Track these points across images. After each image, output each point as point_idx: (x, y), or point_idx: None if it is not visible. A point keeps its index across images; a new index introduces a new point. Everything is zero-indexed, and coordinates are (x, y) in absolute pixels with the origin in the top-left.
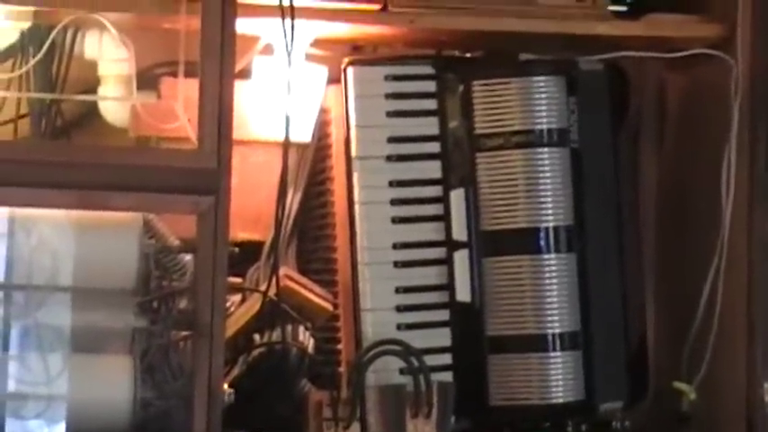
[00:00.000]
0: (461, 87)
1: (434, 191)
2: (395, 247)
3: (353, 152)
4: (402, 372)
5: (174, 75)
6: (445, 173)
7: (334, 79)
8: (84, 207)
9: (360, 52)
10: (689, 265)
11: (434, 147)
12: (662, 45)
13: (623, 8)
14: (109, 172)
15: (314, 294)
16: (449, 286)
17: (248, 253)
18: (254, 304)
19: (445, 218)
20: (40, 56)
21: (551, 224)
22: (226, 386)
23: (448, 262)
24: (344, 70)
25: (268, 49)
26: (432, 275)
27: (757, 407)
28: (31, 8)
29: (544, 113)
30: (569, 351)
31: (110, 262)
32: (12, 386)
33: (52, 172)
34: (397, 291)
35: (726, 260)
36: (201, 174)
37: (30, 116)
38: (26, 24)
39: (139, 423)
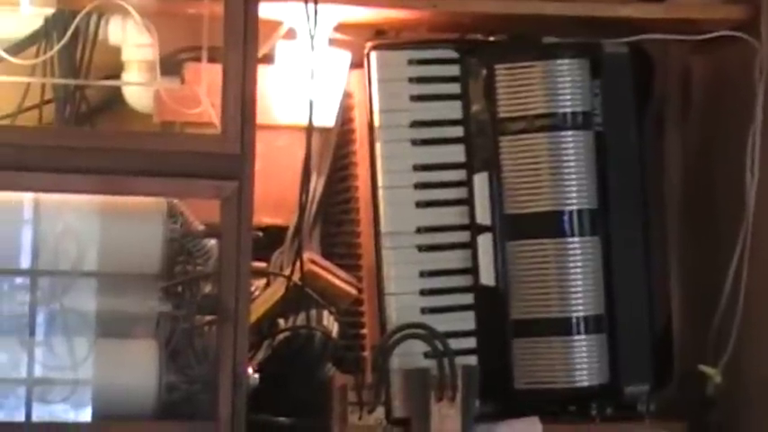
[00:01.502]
0: (485, 71)
1: (458, 175)
2: (419, 231)
3: (377, 137)
4: (426, 356)
5: (198, 60)
6: (469, 157)
7: (357, 64)
8: (109, 192)
9: (383, 37)
10: (713, 249)
11: (458, 131)
12: (686, 28)
13: None
14: (133, 157)
15: (338, 279)
16: (473, 270)
17: (272, 237)
18: (278, 289)
19: (469, 201)
20: (64, 41)
21: (575, 207)
22: (250, 370)
23: (472, 246)
24: (367, 55)
25: (291, 34)
26: (455, 259)
27: None
28: None
29: (568, 96)
30: (594, 334)
31: (134, 247)
32: (38, 371)
33: (77, 157)
34: (422, 275)
35: (750, 244)
36: (225, 159)
37: (54, 102)
38: (50, 10)
39: (165, 407)
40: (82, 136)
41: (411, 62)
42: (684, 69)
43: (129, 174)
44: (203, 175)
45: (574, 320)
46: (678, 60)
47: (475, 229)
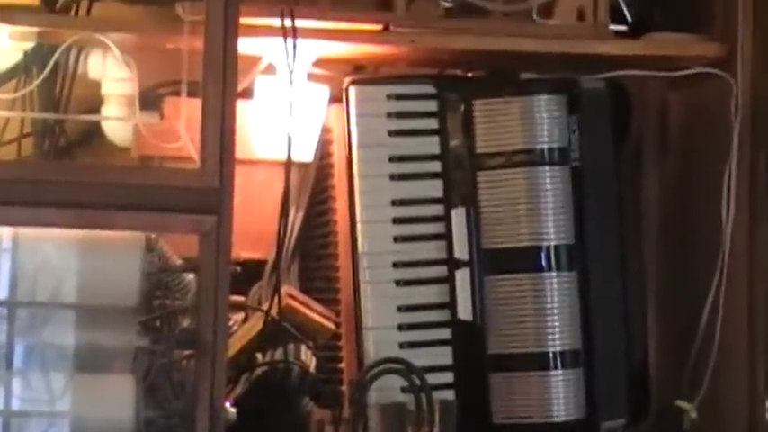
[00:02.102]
0: (463, 107)
1: (436, 210)
2: (396, 265)
3: (355, 171)
4: (404, 390)
5: (177, 94)
6: (447, 192)
7: (336, 98)
8: (88, 226)
9: (361, 72)
10: (690, 284)
11: (436, 166)
12: (663, 64)
13: (624, 27)
14: (112, 191)
15: (316, 313)
16: (450, 305)
17: (251, 272)
18: (256, 323)
19: (446, 236)
20: (43, 76)
21: (553, 243)
22: (228, 405)
23: (449, 280)
24: (346, 90)
25: (270, 69)
26: (433, 294)
27: (759, 425)
28: (35, 29)
29: (545, 132)
30: (570, 369)
31: (112, 281)
32: (15, 404)
33: (55, 191)
34: (399, 309)
35: (726, 279)
36: (204, 193)
37: (33, 136)
38: (30, 45)
39: None
40: (60, 170)
41: (389, 97)
42: (661, 105)
43: (107, 208)
44: (182, 209)
45: (551, 355)
46: (655, 96)
47: (452, 263)
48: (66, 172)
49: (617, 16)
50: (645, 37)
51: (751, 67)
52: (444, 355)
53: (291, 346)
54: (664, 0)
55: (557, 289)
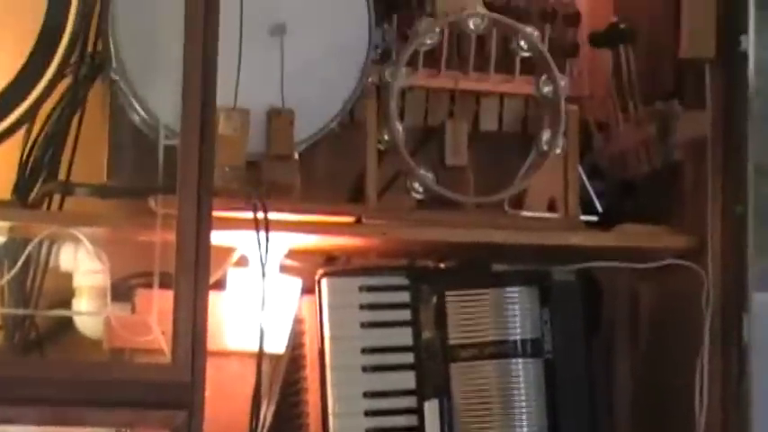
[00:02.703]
0: (435, 298)
1: (409, 402)
2: None
3: (327, 363)
4: None
5: (149, 286)
6: (419, 384)
7: (308, 289)
8: (58, 423)
9: (334, 262)
10: None
11: (408, 357)
12: (634, 255)
13: (595, 218)
14: (83, 387)
15: None
16: None
17: None
18: None
19: (420, 429)
20: (14, 271)
21: None
22: None
23: None
24: (319, 281)
25: (243, 261)
26: None
27: None
28: (7, 223)
29: (518, 324)
30: None
31: None
32: None
33: (25, 388)
34: None
35: None
36: (175, 387)
37: (3, 329)
38: (1, 239)
39: None
40: (31, 366)
41: (362, 289)
42: (633, 295)
43: (78, 404)
44: (153, 404)
45: None
46: (626, 286)
47: None
48: (36, 368)
49: (588, 207)
50: (616, 228)
51: (721, 260)
52: None
53: None
54: (634, 191)
55: None
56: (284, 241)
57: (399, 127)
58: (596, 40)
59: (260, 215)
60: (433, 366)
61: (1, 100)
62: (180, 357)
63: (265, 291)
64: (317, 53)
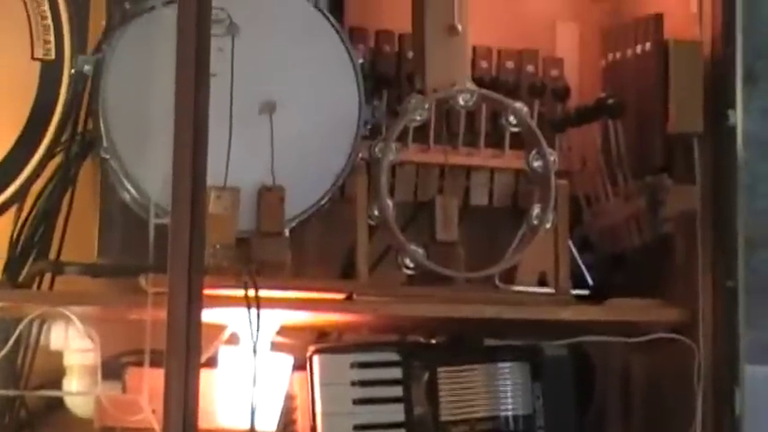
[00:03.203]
0: (427, 374)
1: None
2: None
3: None
4: None
5: (140, 364)
6: None
7: (300, 365)
8: None
9: (325, 338)
10: None
11: None
12: (625, 329)
13: (586, 292)
14: None
15: None
16: None
17: None
18: None
19: None
20: (5, 351)
21: None
22: None
23: None
24: (310, 358)
25: (234, 338)
26: None
27: None
28: None
29: (509, 400)
30: None
31: None
32: None
33: None
34: None
35: None
36: None
37: None
38: None
39: None
40: None
41: (353, 365)
42: (624, 368)
43: None
44: None
45: None
46: (618, 360)
47: None
48: None
49: (579, 280)
50: (607, 302)
51: (712, 334)
52: None
53: None
54: (624, 265)
55: None
56: (275, 318)
57: (390, 202)
58: (585, 114)
59: (251, 293)
60: None
61: None
62: None
63: (257, 368)
64: (308, 129)
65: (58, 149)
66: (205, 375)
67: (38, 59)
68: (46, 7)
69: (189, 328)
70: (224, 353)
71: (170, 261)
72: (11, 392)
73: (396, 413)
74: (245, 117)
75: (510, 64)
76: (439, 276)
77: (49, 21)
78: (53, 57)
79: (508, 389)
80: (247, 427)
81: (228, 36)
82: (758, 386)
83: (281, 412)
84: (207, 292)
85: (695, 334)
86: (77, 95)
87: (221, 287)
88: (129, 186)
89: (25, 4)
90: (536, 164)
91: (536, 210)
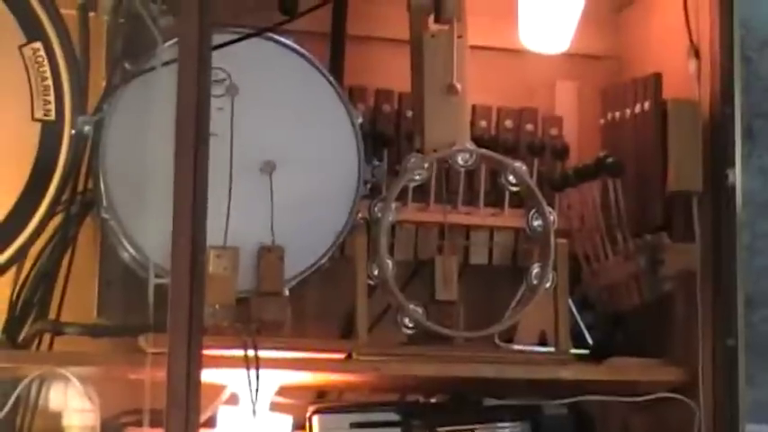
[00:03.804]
0: None
1: None
2: None
3: None
4: None
5: (139, 424)
6: None
7: (299, 425)
8: None
9: (325, 398)
10: None
11: None
12: (625, 388)
13: (586, 351)
14: None
15: None
16: None
17: None
18: None
19: None
20: (4, 412)
21: None
22: None
23: None
24: (310, 418)
25: (233, 398)
26: None
27: None
28: None
29: None
30: None
31: None
32: None
33: None
34: None
35: None
36: None
37: None
38: None
39: None
40: None
41: (353, 425)
42: (624, 428)
43: None
44: None
45: None
46: (618, 419)
47: None
48: None
49: (578, 339)
50: (607, 361)
51: (712, 394)
52: None
53: None
54: (625, 324)
55: None
56: (275, 378)
57: (389, 262)
58: (584, 173)
59: (250, 353)
60: None
61: None
62: None
63: (256, 429)
64: (308, 189)
65: (59, 209)
66: None
67: (38, 120)
68: (46, 68)
69: (188, 387)
70: (223, 413)
71: (170, 321)
72: None
73: None
74: (245, 177)
75: (509, 123)
76: (439, 336)
77: (50, 81)
78: (53, 117)
79: None
80: None
81: (228, 96)
82: None
83: None
84: (206, 352)
85: (695, 393)
86: (77, 156)
87: (221, 347)
88: (128, 246)
89: (26, 64)
90: (535, 223)
91: (536, 269)
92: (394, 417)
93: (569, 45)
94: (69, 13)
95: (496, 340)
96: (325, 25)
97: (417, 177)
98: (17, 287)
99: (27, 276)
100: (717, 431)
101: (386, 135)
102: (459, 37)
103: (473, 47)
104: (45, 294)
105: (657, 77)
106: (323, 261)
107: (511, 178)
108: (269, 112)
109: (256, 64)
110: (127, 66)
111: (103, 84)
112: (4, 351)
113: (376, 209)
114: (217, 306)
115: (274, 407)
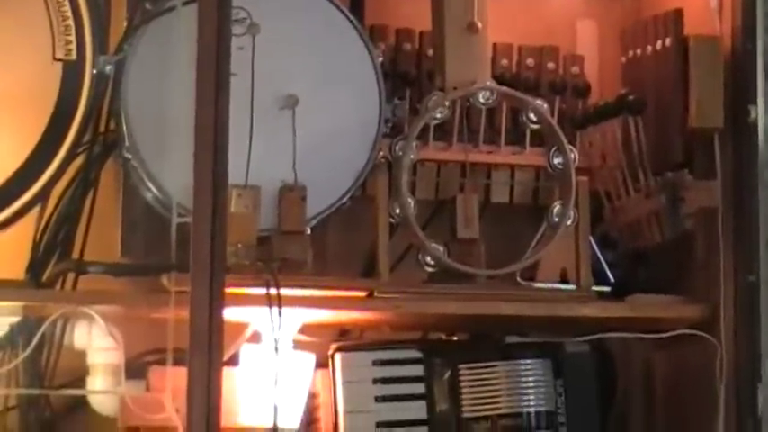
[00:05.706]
0: (448, 371)
1: None
2: None
3: None
4: None
5: (163, 363)
6: None
7: (322, 363)
8: None
9: (347, 336)
10: None
11: (423, 431)
12: (646, 325)
13: (607, 289)
14: None
15: None
16: None
17: None
18: None
19: None
20: (29, 351)
21: None
22: None
23: None
24: (332, 356)
25: (256, 336)
26: None
27: None
28: (21, 303)
29: (531, 396)
30: None
31: None
32: None
33: None
34: None
35: None
36: None
37: (18, 408)
38: (16, 318)
39: None
40: None
41: (375, 363)
42: (647, 365)
43: None
44: None
45: None
46: (640, 357)
47: None
48: None
49: (600, 277)
50: (628, 298)
51: (734, 330)
52: None
53: None
54: (646, 261)
55: None
56: (297, 316)
57: (411, 200)
58: (606, 111)
59: (272, 291)
60: None
61: (15, 180)
62: None
63: (279, 366)
64: (328, 128)
65: (80, 150)
66: (227, 374)
67: (59, 60)
68: (67, 8)
69: (211, 326)
70: (246, 351)
71: (192, 260)
72: (35, 391)
73: (418, 410)
74: (266, 116)
75: (530, 61)
76: (460, 274)
77: (71, 21)
78: (74, 57)
79: (530, 386)
80: (270, 424)
81: (249, 35)
82: None
83: (304, 410)
84: (229, 290)
85: (717, 330)
86: (99, 96)
87: (243, 286)
88: (150, 186)
89: (47, 4)
90: (556, 161)
91: (557, 207)
92: (416, 354)
93: None
94: None
95: (518, 278)
96: None
97: (438, 116)
98: (40, 227)
99: (50, 217)
100: (738, 367)
101: (407, 74)
102: None
103: None
104: (68, 235)
105: (678, 13)
106: (344, 200)
107: (532, 116)
108: (289, 51)
109: (276, 3)
110: (147, 5)
111: (124, 23)
112: (28, 290)
113: (397, 147)
114: (239, 245)
115: (297, 345)
